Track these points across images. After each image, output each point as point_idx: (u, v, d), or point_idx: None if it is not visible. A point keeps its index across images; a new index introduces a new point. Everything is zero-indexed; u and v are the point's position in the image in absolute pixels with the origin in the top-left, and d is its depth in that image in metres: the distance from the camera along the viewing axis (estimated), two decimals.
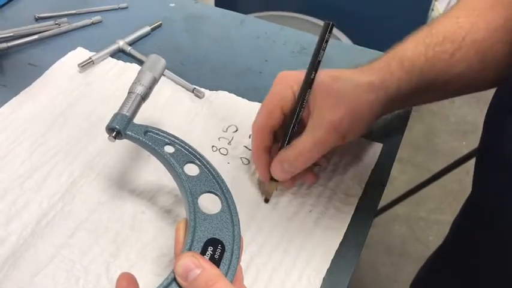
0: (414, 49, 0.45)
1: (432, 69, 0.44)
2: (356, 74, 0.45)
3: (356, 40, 1.29)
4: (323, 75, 0.45)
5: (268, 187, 0.49)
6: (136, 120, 0.46)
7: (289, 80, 0.47)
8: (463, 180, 1.58)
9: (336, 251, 0.45)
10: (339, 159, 0.53)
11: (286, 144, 0.46)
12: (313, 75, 0.45)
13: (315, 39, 0.67)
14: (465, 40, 0.44)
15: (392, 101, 0.45)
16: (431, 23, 0.47)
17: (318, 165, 0.52)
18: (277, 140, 0.48)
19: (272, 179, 0.47)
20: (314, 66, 0.45)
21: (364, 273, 1.42)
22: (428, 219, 1.55)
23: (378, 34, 1.13)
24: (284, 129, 0.47)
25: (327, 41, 0.45)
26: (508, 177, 0.39)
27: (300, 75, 0.46)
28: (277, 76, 0.48)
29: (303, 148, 0.44)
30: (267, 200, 0.49)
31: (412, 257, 1.46)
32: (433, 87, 0.46)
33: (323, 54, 0.45)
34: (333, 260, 0.44)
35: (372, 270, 1.44)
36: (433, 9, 1.46)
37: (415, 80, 0.45)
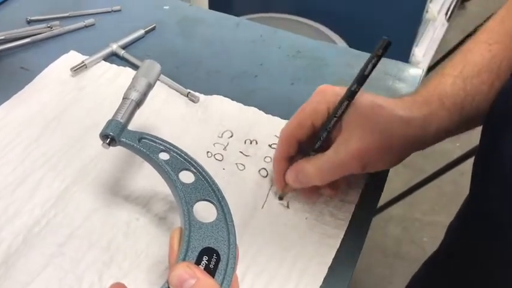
0: (453, 84, 0.44)
1: (472, 103, 0.43)
2: (398, 106, 0.44)
3: (351, 42, 1.28)
4: (365, 98, 0.43)
5: (285, 188, 0.49)
6: (130, 124, 0.45)
7: (327, 95, 0.45)
8: (457, 182, 1.59)
9: (333, 258, 0.45)
10: None
11: (310, 154, 0.45)
12: (355, 87, 0.42)
13: (310, 42, 0.68)
14: (501, 68, 0.43)
15: (431, 139, 0.44)
16: (464, 52, 0.46)
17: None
18: (301, 151, 0.47)
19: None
20: (358, 79, 0.42)
21: (358, 275, 1.42)
22: (423, 221, 1.56)
23: (372, 36, 1.13)
24: (311, 141, 0.46)
25: (379, 58, 0.41)
26: (506, 185, 0.39)
27: (340, 91, 0.44)
28: (317, 89, 0.47)
29: (322, 166, 0.44)
30: (280, 198, 0.49)
31: (407, 258, 1.47)
32: (473, 120, 0.45)
33: (372, 70, 0.42)
34: (330, 268, 0.44)
35: (367, 271, 1.44)
36: (427, 11, 1.47)
37: (456, 117, 0.44)
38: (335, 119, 0.44)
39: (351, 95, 0.43)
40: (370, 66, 0.41)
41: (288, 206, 0.49)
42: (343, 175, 0.45)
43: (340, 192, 0.49)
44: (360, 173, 0.45)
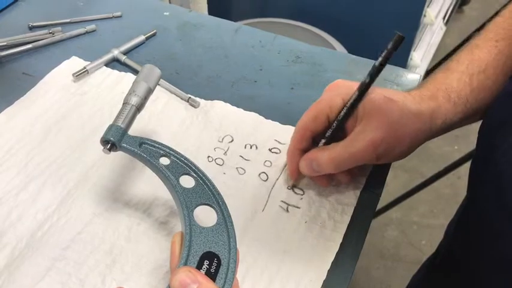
0: (459, 79, 0.46)
1: (478, 97, 0.45)
2: (407, 99, 0.46)
3: (350, 47, 1.29)
4: (377, 93, 0.46)
5: (297, 178, 0.51)
6: (131, 129, 0.45)
7: (341, 89, 0.48)
8: (455, 185, 1.60)
9: (332, 261, 0.45)
10: None
11: (324, 144, 0.48)
12: (367, 80, 0.45)
13: (309, 48, 0.68)
14: (506, 63, 0.45)
15: (436, 132, 0.46)
16: (471, 47, 0.47)
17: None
18: (315, 144, 0.49)
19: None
20: (371, 72, 0.45)
21: (357, 277, 1.43)
22: (421, 224, 1.56)
23: (370, 41, 1.14)
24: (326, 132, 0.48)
25: (391, 52, 0.44)
26: (500, 188, 0.39)
27: (354, 85, 0.46)
28: (331, 83, 0.49)
29: (337, 154, 0.45)
30: (294, 186, 0.51)
31: (405, 261, 1.47)
32: (477, 114, 0.46)
33: (383, 63, 0.45)
34: (329, 271, 0.45)
35: (365, 275, 1.45)
36: (425, 16, 1.48)
37: (461, 110, 0.45)
38: (345, 109, 0.46)
39: (363, 88, 0.45)
40: (380, 60, 0.44)
41: (287, 210, 0.49)
42: (357, 164, 0.46)
43: (354, 178, 0.51)
44: (373, 163, 0.47)
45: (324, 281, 0.44)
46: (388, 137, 0.44)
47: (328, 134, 0.47)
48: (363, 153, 0.44)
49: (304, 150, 0.49)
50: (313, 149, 0.48)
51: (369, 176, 0.52)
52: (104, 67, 0.64)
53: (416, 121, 0.44)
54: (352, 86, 0.46)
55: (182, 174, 0.43)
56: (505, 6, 0.49)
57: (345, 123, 0.47)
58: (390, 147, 0.45)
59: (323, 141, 0.48)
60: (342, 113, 0.46)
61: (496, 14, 0.49)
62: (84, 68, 0.62)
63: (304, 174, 0.50)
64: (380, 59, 0.44)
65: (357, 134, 0.45)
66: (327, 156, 0.46)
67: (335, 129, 0.47)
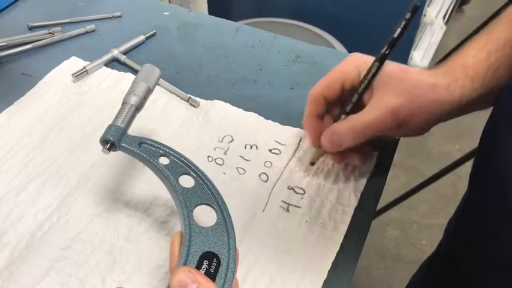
0: (475, 56, 0.46)
1: (495, 74, 0.45)
2: (423, 73, 0.46)
3: (350, 47, 1.29)
4: (394, 66, 0.47)
5: (316, 152, 0.51)
6: (131, 129, 0.45)
7: (359, 62, 0.48)
8: (455, 184, 1.59)
9: (333, 261, 0.45)
10: (333, 168, 0.53)
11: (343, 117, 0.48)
12: (386, 50, 0.46)
13: (309, 47, 0.68)
14: None
15: (455, 107, 0.46)
16: (489, 28, 0.48)
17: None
18: (329, 111, 0.50)
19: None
20: (389, 42, 0.46)
21: (358, 277, 1.43)
22: (421, 223, 1.56)
23: (371, 40, 1.14)
24: (340, 103, 0.49)
25: (407, 22, 0.46)
26: (501, 188, 0.39)
27: (369, 59, 0.47)
28: (349, 55, 0.50)
29: (356, 124, 0.46)
30: (312, 163, 0.52)
31: (406, 261, 1.47)
32: (494, 94, 0.46)
33: (401, 33, 0.46)
34: (329, 271, 0.44)
35: (366, 274, 1.44)
36: (425, 15, 1.48)
37: (478, 87, 0.45)
38: (366, 81, 0.47)
39: (381, 58, 0.46)
40: (399, 30, 0.45)
41: (288, 210, 0.49)
42: (377, 134, 0.46)
43: (366, 160, 0.51)
44: (394, 132, 0.47)
45: (324, 281, 0.44)
46: (406, 104, 0.44)
47: (348, 107, 0.48)
48: (382, 121, 0.45)
49: (320, 116, 0.49)
50: (333, 124, 0.48)
51: (369, 176, 0.52)
52: (104, 67, 0.64)
53: (432, 92, 0.45)
54: (366, 59, 0.47)
55: (182, 174, 0.43)
56: (507, 3, 0.49)
57: (364, 95, 0.47)
58: (410, 115, 0.45)
59: (343, 116, 0.48)
60: (363, 86, 0.47)
61: (498, 11, 0.49)
62: (84, 68, 0.61)
63: (324, 150, 0.50)
64: (399, 29, 0.45)
65: (375, 102, 0.45)
66: (346, 127, 0.46)
67: (355, 102, 0.48)
